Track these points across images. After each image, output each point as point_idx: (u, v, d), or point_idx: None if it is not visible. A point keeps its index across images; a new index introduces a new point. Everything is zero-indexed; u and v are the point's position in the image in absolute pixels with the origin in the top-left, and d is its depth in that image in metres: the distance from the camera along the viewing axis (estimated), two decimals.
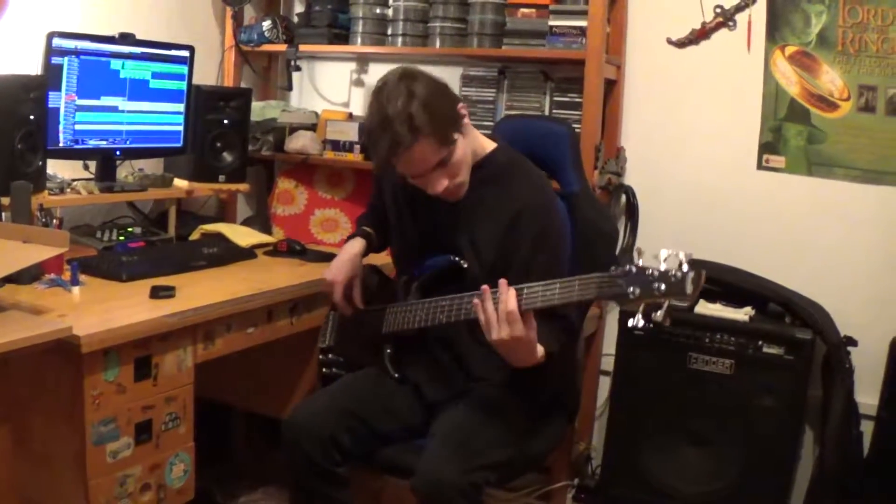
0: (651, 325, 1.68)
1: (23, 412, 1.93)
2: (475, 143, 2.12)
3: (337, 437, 2.05)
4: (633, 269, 1.66)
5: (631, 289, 1.66)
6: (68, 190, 2.59)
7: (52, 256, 2.06)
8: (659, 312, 1.67)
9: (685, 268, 1.61)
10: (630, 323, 1.70)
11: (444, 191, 2.03)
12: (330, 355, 2.39)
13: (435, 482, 1.88)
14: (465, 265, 2.11)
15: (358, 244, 2.34)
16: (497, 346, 1.85)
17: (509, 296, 1.80)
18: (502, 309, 1.80)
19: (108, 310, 2.03)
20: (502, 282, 1.83)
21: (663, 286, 1.63)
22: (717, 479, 2.62)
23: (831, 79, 2.74)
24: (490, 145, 2.17)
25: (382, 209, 2.35)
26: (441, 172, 2.00)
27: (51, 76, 2.51)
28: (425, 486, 1.89)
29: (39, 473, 1.97)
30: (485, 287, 1.85)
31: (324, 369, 2.38)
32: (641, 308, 1.69)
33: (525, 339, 1.82)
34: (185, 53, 2.94)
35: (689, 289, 1.61)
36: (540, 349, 1.90)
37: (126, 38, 2.74)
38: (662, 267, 1.63)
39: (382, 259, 2.49)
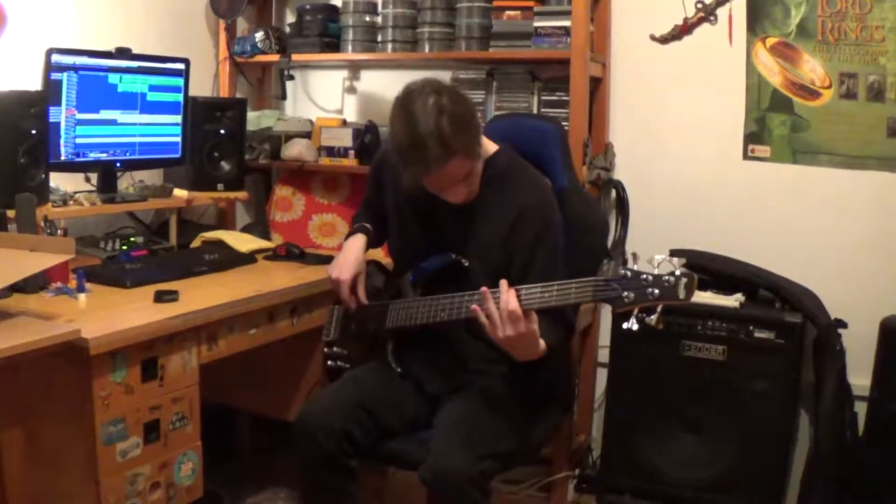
0: (645, 329, 1.75)
1: (33, 415, 1.98)
2: (483, 147, 2.15)
3: (349, 430, 2.08)
4: (628, 274, 1.73)
5: (626, 293, 1.74)
6: (71, 202, 2.64)
7: (58, 265, 2.11)
8: (652, 316, 1.74)
9: (678, 272, 1.69)
10: (624, 326, 1.77)
11: (462, 199, 2.09)
12: (334, 349, 2.42)
13: (445, 472, 1.91)
14: (466, 264, 2.16)
15: (360, 240, 2.36)
16: (502, 344, 1.89)
17: (510, 296, 1.84)
18: (503, 308, 1.83)
19: (113, 314, 2.07)
20: (503, 282, 1.87)
21: (657, 291, 1.71)
22: (715, 463, 2.65)
23: (812, 68, 2.79)
24: (492, 147, 2.20)
25: (378, 206, 2.38)
26: (464, 183, 2.05)
27: (51, 91, 2.56)
28: (435, 476, 1.92)
29: (51, 474, 2.01)
30: (483, 289, 1.88)
31: (328, 362, 2.42)
32: (635, 312, 1.76)
33: (529, 335, 1.86)
34: (181, 66, 2.99)
35: (681, 294, 1.70)
36: (541, 343, 1.92)
37: (123, 53, 2.79)
38: (656, 272, 1.71)
39: (384, 254, 2.54)
